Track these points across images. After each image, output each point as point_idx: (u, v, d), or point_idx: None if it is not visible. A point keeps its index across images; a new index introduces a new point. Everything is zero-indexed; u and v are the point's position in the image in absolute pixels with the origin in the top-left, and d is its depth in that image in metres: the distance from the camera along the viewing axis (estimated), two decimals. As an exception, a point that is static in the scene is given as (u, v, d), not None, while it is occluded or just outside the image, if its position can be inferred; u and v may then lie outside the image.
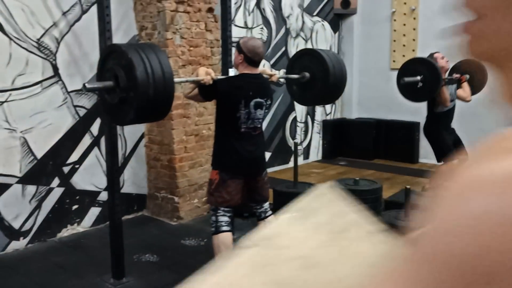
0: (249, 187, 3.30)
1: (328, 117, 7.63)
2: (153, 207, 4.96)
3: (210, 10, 4.77)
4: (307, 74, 3.64)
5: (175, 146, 4.62)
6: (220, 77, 3.14)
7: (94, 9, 3.23)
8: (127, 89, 2.50)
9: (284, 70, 6.71)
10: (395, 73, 7.38)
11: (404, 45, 7.18)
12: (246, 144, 3.12)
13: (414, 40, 7.08)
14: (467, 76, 5.37)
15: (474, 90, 5.29)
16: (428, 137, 5.18)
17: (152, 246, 4.09)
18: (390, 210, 4.20)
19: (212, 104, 4.56)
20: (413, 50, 6.98)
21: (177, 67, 4.54)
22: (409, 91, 4.83)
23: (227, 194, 3.13)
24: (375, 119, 7.47)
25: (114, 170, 3.33)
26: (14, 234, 4.03)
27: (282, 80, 3.90)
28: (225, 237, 3.12)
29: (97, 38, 3.31)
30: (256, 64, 3.13)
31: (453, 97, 5.12)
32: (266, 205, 3.44)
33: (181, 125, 4.66)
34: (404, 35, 7.15)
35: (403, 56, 7.22)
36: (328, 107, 7.63)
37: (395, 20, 7.25)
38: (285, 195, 4.38)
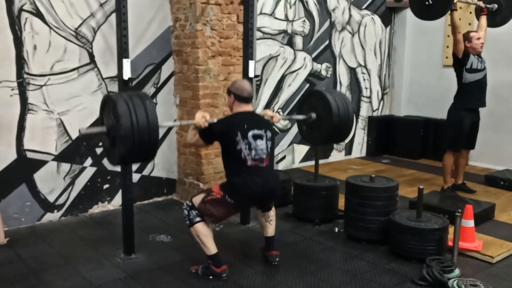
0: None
1: (375, 114, 7.45)
2: (182, 191, 5.17)
3: (243, 2, 4.84)
4: (313, 115, 3.69)
5: (201, 134, 4.77)
6: (215, 120, 3.25)
7: (129, 1, 3.45)
8: (115, 136, 2.68)
9: (328, 64, 6.67)
10: (448, 70, 7.10)
11: (458, 41, 6.80)
12: (256, 177, 3.15)
13: (469, 35, 6.67)
14: (493, 7, 5.08)
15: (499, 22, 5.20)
16: (448, 113, 5.00)
17: (170, 228, 4.30)
18: (407, 210, 4.08)
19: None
20: (468, 46, 6.59)
21: (206, 58, 4.69)
22: (420, 7, 4.70)
23: (217, 212, 3.20)
24: (424, 118, 7.18)
25: (126, 153, 3.54)
26: (49, 206, 4.42)
27: (282, 123, 3.78)
28: (200, 227, 3.22)
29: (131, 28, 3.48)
30: (246, 100, 3.27)
31: (481, 67, 4.89)
32: (271, 213, 3.53)
33: (209, 114, 4.78)
34: (459, 30, 6.77)
35: (457, 52, 6.86)
36: (375, 103, 7.45)
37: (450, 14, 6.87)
38: (304, 188, 4.40)
